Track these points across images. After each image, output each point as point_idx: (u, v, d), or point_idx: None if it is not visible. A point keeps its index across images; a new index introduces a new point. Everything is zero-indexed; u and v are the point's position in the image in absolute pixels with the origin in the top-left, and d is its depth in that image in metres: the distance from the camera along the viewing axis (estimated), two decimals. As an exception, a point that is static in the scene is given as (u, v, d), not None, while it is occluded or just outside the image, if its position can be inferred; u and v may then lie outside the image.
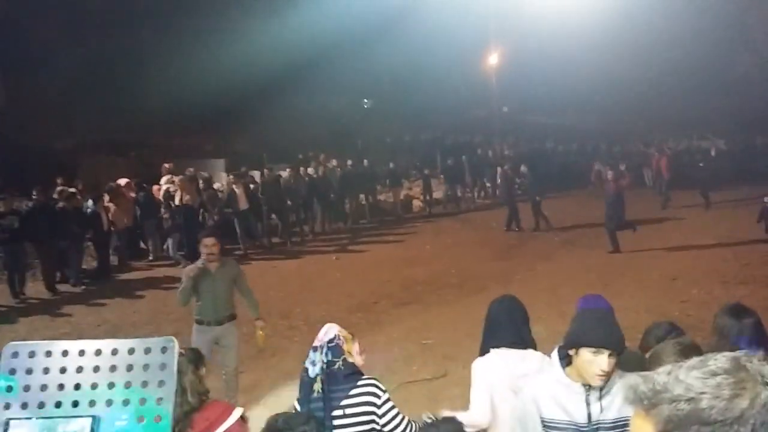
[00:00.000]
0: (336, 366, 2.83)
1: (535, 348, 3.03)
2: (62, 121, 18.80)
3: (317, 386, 2.81)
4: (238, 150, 21.14)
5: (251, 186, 13.91)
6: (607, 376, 2.28)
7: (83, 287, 10.43)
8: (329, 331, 2.95)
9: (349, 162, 16.81)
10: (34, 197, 10.60)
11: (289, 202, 14.20)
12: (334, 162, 16.81)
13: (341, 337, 2.93)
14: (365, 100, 31.40)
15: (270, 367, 6.62)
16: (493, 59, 26.91)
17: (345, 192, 16.02)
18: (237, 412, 2.87)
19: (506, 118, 31.21)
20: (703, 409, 0.87)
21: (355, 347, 2.99)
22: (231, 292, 5.46)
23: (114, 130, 20.02)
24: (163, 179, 13.25)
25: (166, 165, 13.97)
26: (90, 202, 10.98)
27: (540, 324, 7.05)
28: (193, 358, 3.00)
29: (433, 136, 27.55)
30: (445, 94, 28.35)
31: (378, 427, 2.80)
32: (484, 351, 3.08)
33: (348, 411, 2.77)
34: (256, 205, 13.38)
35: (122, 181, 12.84)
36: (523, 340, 3.01)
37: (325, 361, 2.83)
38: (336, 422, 2.75)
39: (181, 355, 3.08)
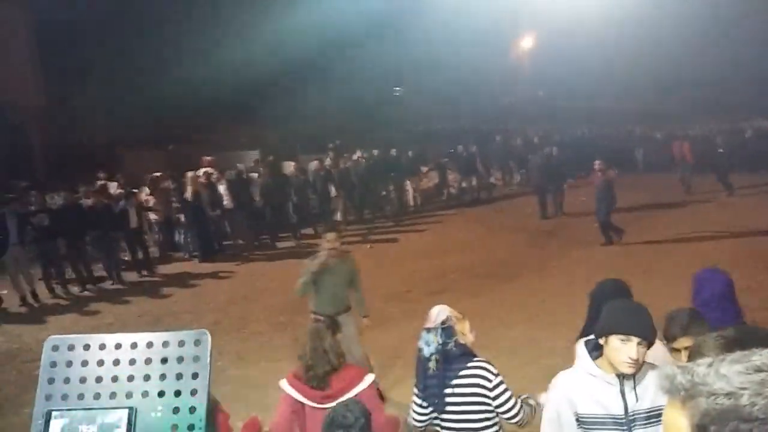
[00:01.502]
0: (449, 346, 2.99)
1: None
2: (100, 117, 19.29)
3: (432, 365, 3.00)
4: (271, 141, 21.34)
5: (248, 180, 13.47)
6: (637, 365, 2.27)
7: (118, 284, 10.58)
8: (441, 312, 3.10)
9: (375, 152, 16.58)
10: (62, 194, 10.77)
11: (293, 197, 13.84)
12: (358, 152, 16.54)
13: (453, 318, 3.08)
14: (396, 88, 31.28)
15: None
16: (526, 43, 26.47)
17: (371, 182, 15.67)
18: (370, 377, 3.20)
19: (541, 102, 30.72)
20: (744, 405, 0.84)
21: (467, 326, 3.15)
22: (347, 287, 5.55)
23: (151, 125, 20.45)
24: (195, 173, 13.37)
25: (207, 158, 14.07)
26: (122, 202, 11.00)
27: (575, 313, 6.98)
28: (331, 324, 3.36)
29: (466, 124, 27.25)
30: (479, 80, 28.02)
31: (490, 408, 2.95)
32: (587, 334, 3.04)
33: (458, 390, 2.96)
34: (248, 201, 12.93)
35: (157, 174, 13.05)
36: None
37: (439, 342, 2.99)
38: (448, 399, 2.96)
39: (319, 321, 3.46)
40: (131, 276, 10.97)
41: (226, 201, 12.35)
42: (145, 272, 11.11)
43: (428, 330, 3.07)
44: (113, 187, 12.29)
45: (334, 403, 3.04)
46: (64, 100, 18.88)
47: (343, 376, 3.15)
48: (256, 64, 20.28)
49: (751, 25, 26.03)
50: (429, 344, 3.04)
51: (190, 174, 12.17)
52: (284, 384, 3.25)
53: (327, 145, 19.97)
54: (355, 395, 3.08)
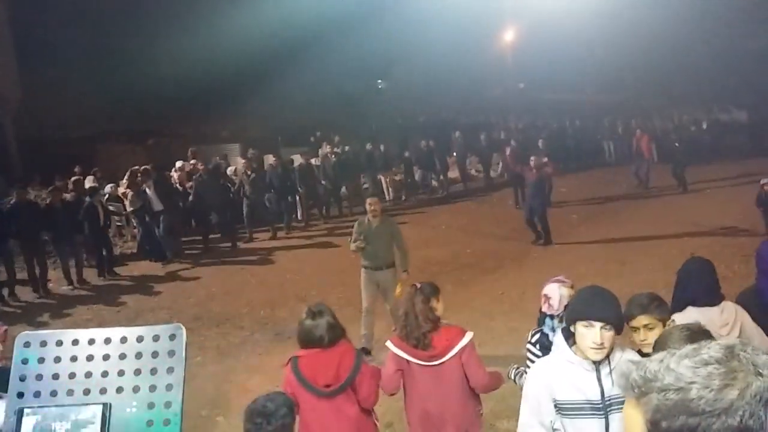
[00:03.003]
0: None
1: (724, 299, 3.26)
2: (78, 110, 18.97)
3: None
4: (252, 134, 21.18)
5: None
6: (603, 348, 2.31)
7: (78, 287, 10.10)
8: (562, 297, 3.19)
9: (346, 147, 16.18)
10: (17, 192, 10.03)
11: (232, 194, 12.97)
12: (327, 148, 16.08)
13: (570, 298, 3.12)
14: (379, 81, 31.16)
15: (287, 349, 6.67)
16: (508, 36, 26.51)
17: (342, 178, 15.10)
18: (469, 335, 3.36)
19: (523, 95, 30.81)
20: (692, 399, 0.84)
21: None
22: (389, 244, 6.48)
23: (130, 118, 20.17)
24: (177, 164, 13.20)
25: (192, 149, 13.93)
26: (87, 198, 10.45)
27: (556, 303, 7.06)
28: (425, 291, 3.41)
29: (447, 117, 27.24)
30: (461, 73, 28.00)
31: None
32: (678, 308, 3.24)
33: None
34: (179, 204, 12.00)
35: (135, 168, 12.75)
36: (717, 295, 3.25)
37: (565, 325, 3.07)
38: None
39: (412, 286, 3.46)
40: (106, 273, 10.75)
41: (156, 205, 11.29)
42: (107, 273, 10.59)
43: (552, 316, 3.20)
44: (89, 181, 12.05)
45: (440, 362, 3.27)
46: (41, 93, 18.52)
47: (445, 335, 3.31)
48: (236, 56, 20.06)
49: (732, 16, 26.36)
50: (554, 329, 3.14)
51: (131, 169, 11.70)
52: (390, 344, 3.41)
53: (309, 138, 19.91)
54: (458, 352, 3.26)
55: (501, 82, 29.39)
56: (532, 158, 11.20)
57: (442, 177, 17.80)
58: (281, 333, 7.34)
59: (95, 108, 19.38)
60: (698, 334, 2.24)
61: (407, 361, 3.33)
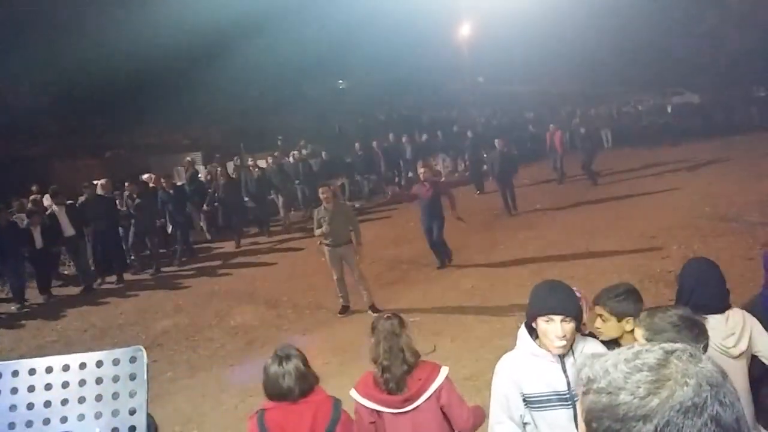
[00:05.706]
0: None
1: (730, 306, 2.96)
2: (31, 128, 18.43)
3: None
4: (214, 142, 20.91)
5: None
6: (566, 341, 2.33)
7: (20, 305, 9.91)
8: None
9: (295, 153, 15.96)
10: None
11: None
12: (250, 160, 15.53)
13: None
14: (340, 82, 31.12)
15: (259, 356, 6.62)
16: (464, 30, 26.71)
17: (265, 190, 14.49)
18: (444, 371, 3.01)
19: (482, 89, 31.15)
20: (617, 404, 0.86)
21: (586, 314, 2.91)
22: (345, 224, 7.54)
23: (86, 132, 19.70)
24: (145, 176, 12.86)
25: (189, 158, 13.84)
26: (25, 221, 10.25)
27: (523, 295, 7.17)
28: (402, 321, 3.10)
29: (408, 114, 27.36)
30: (421, 70, 28.16)
31: None
32: None
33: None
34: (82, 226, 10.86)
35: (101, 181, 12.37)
36: (724, 301, 2.96)
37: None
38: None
39: (389, 318, 3.08)
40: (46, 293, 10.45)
41: (67, 229, 10.49)
42: (47, 293, 10.45)
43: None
44: (47, 199, 11.71)
45: (415, 405, 2.87)
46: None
47: (419, 374, 2.95)
48: (196, 66, 19.79)
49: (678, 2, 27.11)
50: None
51: (100, 182, 11.34)
52: (355, 394, 2.98)
53: (271, 142, 19.76)
54: (434, 391, 2.91)
55: (460, 76, 29.64)
56: (422, 170, 9.13)
57: (397, 179, 17.46)
58: (253, 342, 7.28)
59: (47, 124, 18.86)
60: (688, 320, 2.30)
61: (378, 412, 2.94)
